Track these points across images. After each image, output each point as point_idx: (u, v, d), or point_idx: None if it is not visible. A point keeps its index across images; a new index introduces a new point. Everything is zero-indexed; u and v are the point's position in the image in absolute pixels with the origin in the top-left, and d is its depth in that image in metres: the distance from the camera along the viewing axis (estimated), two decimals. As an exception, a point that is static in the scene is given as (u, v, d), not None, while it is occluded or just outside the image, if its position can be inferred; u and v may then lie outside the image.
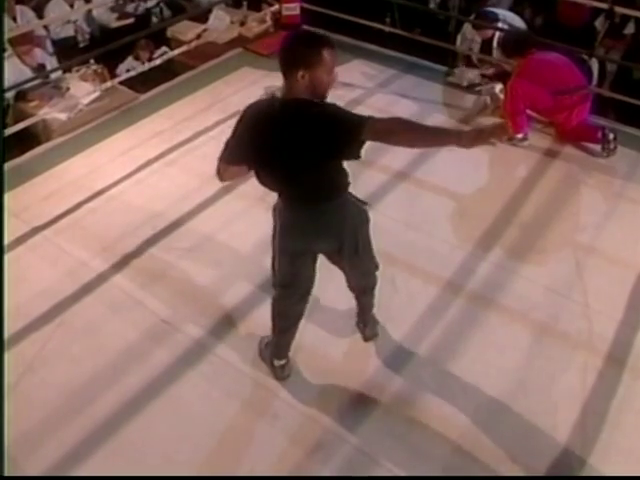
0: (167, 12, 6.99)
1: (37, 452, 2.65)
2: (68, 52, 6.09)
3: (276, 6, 5.96)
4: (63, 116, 4.73)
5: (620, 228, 3.76)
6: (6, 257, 3.51)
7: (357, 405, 2.79)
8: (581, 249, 3.61)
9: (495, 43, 4.98)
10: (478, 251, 3.58)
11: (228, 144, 2.38)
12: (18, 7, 6.14)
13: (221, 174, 2.45)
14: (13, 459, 2.60)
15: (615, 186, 4.14)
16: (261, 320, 3.13)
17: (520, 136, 4.41)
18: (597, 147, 4.32)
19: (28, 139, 4.69)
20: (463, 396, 2.84)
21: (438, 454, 2.62)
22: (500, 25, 5.03)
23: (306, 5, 5.85)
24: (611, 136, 4.25)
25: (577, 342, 3.08)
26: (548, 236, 3.70)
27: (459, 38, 5.43)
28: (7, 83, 4.92)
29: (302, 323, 2.87)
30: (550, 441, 2.68)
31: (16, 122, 4.65)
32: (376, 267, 2.78)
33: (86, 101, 4.85)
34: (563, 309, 3.25)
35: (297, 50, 2.18)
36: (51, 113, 4.70)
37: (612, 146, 4.26)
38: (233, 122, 4.70)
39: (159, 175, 4.19)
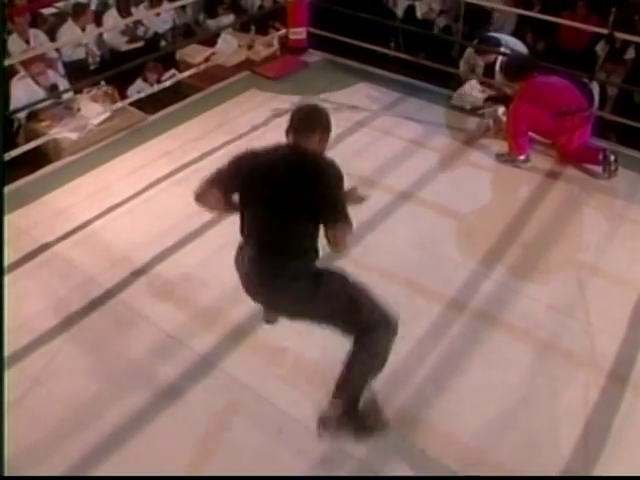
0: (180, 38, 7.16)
1: (42, 465, 2.68)
2: (79, 74, 6.22)
3: (283, 30, 6.08)
4: (74, 135, 4.83)
5: (622, 248, 3.81)
6: (16, 272, 3.60)
7: (360, 420, 2.80)
8: (583, 268, 3.65)
9: (497, 67, 5.07)
10: (481, 269, 3.63)
11: (217, 176, 2.50)
12: (32, 30, 6.30)
13: (199, 194, 2.53)
14: (19, 472, 2.64)
15: (616, 207, 4.19)
16: (265, 336, 3.20)
17: (522, 158, 4.48)
18: (598, 169, 4.38)
19: (39, 158, 4.77)
20: (466, 412, 2.86)
21: (441, 470, 2.64)
22: (502, 50, 5.12)
23: (312, 30, 5.97)
24: (612, 158, 4.31)
25: (580, 360, 3.11)
26: (551, 256, 3.74)
27: (462, 63, 5.52)
28: (20, 103, 5.05)
29: (307, 338, 2.92)
30: (553, 457, 2.70)
31: (27, 141, 4.75)
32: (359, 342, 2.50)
33: (96, 121, 4.95)
34: (565, 327, 3.28)
35: (321, 118, 2.42)
36: (62, 132, 4.79)
37: (613, 167, 4.32)
38: (240, 143, 4.85)
39: (167, 194, 4.26)
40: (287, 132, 2.40)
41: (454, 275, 3.60)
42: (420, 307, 3.38)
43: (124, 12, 6.87)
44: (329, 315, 2.49)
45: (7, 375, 2.96)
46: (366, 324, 2.46)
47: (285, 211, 2.34)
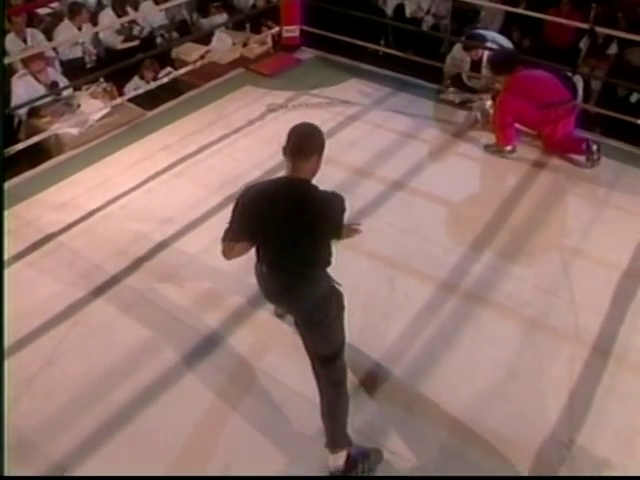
0: (174, 34, 7.28)
1: (57, 438, 2.82)
2: (76, 72, 6.32)
3: (276, 28, 6.23)
4: (74, 131, 4.95)
5: (604, 232, 3.99)
6: (23, 261, 3.74)
7: (359, 392, 2.97)
8: (567, 251, 3.83)
9: (484, 62, 5.24)
10: (471, 253, 3.80)
11: (231, 226, 2.58)
12: (28, 30, 6.41)
13: (227, 254, 2.65)
14: (34, 445, 2.78)
15: (599, 194, 4.37)
16: (265, 317, 3.35)
17: (509, 148, 4.66)
18: (582, 158, 4.57)
19: (40, 153, 4.89)
20: (459, 384, 3.03)
21: (436, 436, 2.81)
22: (489, 45, 5.30)
23: (305, 28, 6.12)
24: (595, 147, 4.49)
25: (565, 335, 3.29)
26: (536, 240, 3.92)
27: (448, 59, 5.68)
28: (21, 100, 5.17)
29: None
30: (540, 424, 2.87)
31: (28, 137, 4.88)
32: (329, 383, 2.61)
33: (96, 117, 5.07)
34: (551, 305, 3.45)
35: (318, 139, 2.46)
36: (63, 128, 4.92)
37: (596, 157, 4.50)
38: (237, 137, 5.01)
39: (167, 185, 4.40)
40: (284, 152, 2.43)
41: (445, 258, 3.76)
42: (413, 289, 3.54)
43: (120, 11, 7.00)
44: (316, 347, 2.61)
45: (19, 356, 3.15)
46: (330, 356, 2.59)
47: (299, 238, 2.45)
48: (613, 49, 6.32)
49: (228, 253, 2.65)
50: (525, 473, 2.72)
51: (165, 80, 5.42)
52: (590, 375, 3.09)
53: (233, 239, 2.59)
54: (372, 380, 3.04)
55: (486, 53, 5.26)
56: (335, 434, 2.64)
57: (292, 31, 6.10)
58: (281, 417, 2.90)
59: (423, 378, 3.06)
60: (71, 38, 6.47)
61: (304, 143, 2.42)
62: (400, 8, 7.85)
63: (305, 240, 2.46)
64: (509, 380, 3.06)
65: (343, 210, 2.48)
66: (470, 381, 3.04)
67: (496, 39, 5.45)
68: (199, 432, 2.85)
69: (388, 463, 2.72)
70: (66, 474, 2.69)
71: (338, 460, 2.64)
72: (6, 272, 3.60)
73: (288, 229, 2.43)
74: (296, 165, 2.42)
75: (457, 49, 5.62)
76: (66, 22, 6.71)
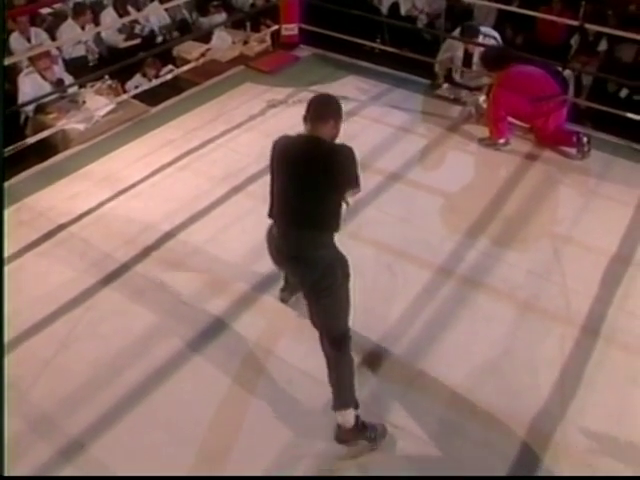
0: (175, 33, 7.43)
1: (75, 415, 2.95)
2: (79, 70, 6.46)
3: (276, 27, 6.38)
4: (81, 127, 5.10)
5: (594, 220, 4.16)
6: (36, 250, 3.89)
7: (362, 370, 3.12)
8: (559, 238, 4.00)
9: (476, 58, 5.40)
10: (466, 241, 3.96)
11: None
12: (32, 29, 6.56)
13: None
14: (53, 421, 2.94)
15: (589, 185, 4.54)
16: (271, 301, 3.51)
17: (502, 141, 4.82)
18: (573, 150, 4.74)
19: (48, 148, 5.03)
20: (456, 362, 3.19)
21: (434, 410, 2.97)
22: (482, 39, 5.46)
23: (304, 26, 6.28)
24: (585, 140, 4.66)
25: (556, 316, 3.45)
26: (529, 227, 4.09)
27: (440, 53, 5.82)
28: (27, 97, 5.32)
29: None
30: (533, 398, 3.03)
31: (35, 133, 5.02)
32: (332, 343, 2.73)
33: (101, 113, 5.22)
34: (543, 289, 3.62)
35: (334, 106, 2.75)
36: (69, 124, 5.06)
37: (586, 149, 4.68)
38: (239, 132, 5.18)
39: (173, 178, 4.54)
40: (305, 119, 2.71)
41: (441, 246, 3.92)
42: (412, 274, 3.70)
43: (121, 10, 7.14)
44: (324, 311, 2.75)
45: (36, 339, 3.30)
46: (335, 324, 2.74)
47: (310, 190, 2.65)
48: (603, 46, 6.49)
49: None
50: (519, 444, 2.87)
51: (168, 77, 5.56)
52: (580, 353, 3.25)
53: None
54: (374, 359, 3.20)
55: (477, 50, 5.42)
56: (342, 394, 2.77)
57: (291, 29, 6.26)
58: (289, 395, 3.04)
59: (422, 356, 3.22)
60: (75, 37, 6.60)
61: (321, 109, 2.71)
62: (395, 7, 8.01)
63: (314, 194, 2.64)
64: (504, 358, 3.22)
65: (353, 158, 2.68)
66: (467, 359, 3.20)
67: (489, 33, 5.61)
68: (210, 407, 2.99)
69: (391, 436, 2.86)
70: (83, 450, 2.83)
71: (347, 417, 2.74)
72: (21, 260, 3.81)
73: (298, 181, 2.67)
74: (315, 128, 2.68)
75: (449, 44, 5.76)
76: (69, 21, 6.86)
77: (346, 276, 2.74)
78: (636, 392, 3.09)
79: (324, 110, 2.71)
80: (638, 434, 2.91)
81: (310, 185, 2.65)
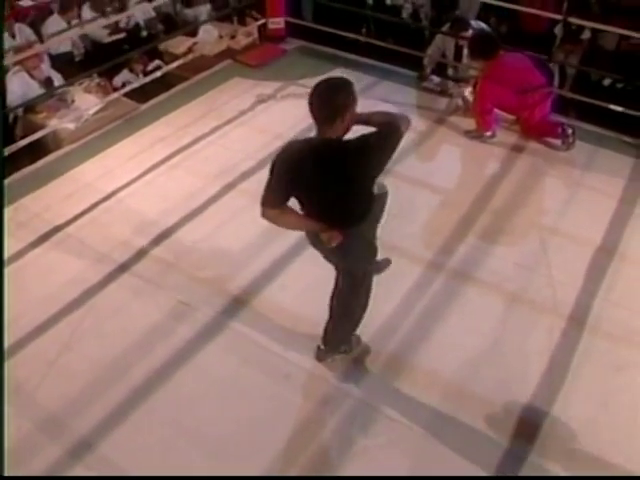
0: (160, 26, 7.42)
1: (82, 415, 3.04)
2: (66, 66, 6.46)
3: (262, 20, 6.40)
4: (71, 126, 5.13)
5: (579, 211, 4.28)
6: (34, 252, 3.94)
7: (358, 364, 3.25)
8: (545, 230, 4.11)
9: (467, 51, 5.46)
10: (455, 234, 4.07)
11: (270, 188, 2.60)
12: (16, 25, 6.52)
13: (278, 221, 2.70)
14: (60, 422, 3.02)
15: (575, 176, 4.65)
16: (268, 299, 3.60)
17: (489, 134, 4.92)
18: (558, 142, 4.85)
19: (38, 148, 5.05)
20: (447, 354, 3.31)
21: (429, 401, 3.09)
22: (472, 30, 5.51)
23: (290, 19, 6.31)
24: (570, 131, 4.77)
25: (543, 307, 3.58)
26: (516, 220, 4.20)
27: (431, 47, 5.88)
28: (16, 96, 5.32)
29: (307, 296, 3.33)
30: (523, 388, 3.16)
31: (25, 132, 5.04)
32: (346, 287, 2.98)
33: (91, 112, 5.24)
34: (530, 281, 3.74)
35: (336, 99, 2.46)
36: (60, 124, 5.08)
37: (571, 140, 4.79)
38: (230, 127, 5.21)
39: (165, 177, 4.60)
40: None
41: (431, 240, 4.03)
42: (403, 268, 3.79)
43: (98, 9, 7.10)
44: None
45: (39, 340, 3.37)
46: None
47: (339, 194, 2.59)
48: (586, 34, 6.58)
49: (273, 218, 2.66)
50: (509, 434, 2.99)
51: (158, 74, 5.58)
52: (567, 344, 3.38)
53: (274, 199, 2.60)
54: (367, 353, 3.30)
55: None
56: (332, 335, 3.12)
57: (277, 22, 6.29)
58: (287, 390, 3.15)
59: (415, 349, 3.33)
60: (64, 35, 6.56)
61: (323, 110, 2.46)
62: (381, -4, 8.03)
63: (348, 191, 2.59)
64: (493, 349, 3.34)
65: (369, 147, 2.51)
66: (458, 351, 3.32)
67: (479, 26, 5.66)
68: (211, 404, 3.10)
69: (385, 428, 2.99)
70: (92, 449, 2.92)
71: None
72: (19, 262, 3.86)
73: (330, 186, 2.56)
74: (321, 131, 2.52)
75: (440, 38, 5.82)
76: (55, 16, 6.82)
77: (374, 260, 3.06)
78: (620, 380, 3.22)
79: (326, 110, 2.47)
80: (623, 421, 3.05)
81: (341, 188, 2.57)
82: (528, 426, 3.02)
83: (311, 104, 2.49)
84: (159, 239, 4.03)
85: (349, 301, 3.04)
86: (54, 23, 6.67)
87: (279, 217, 2.68)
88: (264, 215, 2.65)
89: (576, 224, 4.15)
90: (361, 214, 2.76)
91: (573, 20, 5.32)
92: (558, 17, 5.35)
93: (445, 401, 3.10)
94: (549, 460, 2.89)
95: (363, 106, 5.31)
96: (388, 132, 2.61)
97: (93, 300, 3.62)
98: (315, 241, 2.86)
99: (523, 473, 2.85)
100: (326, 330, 3.16)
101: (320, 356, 3.22)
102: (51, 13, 6.81)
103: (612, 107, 5.09)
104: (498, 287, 3.70)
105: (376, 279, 3.64)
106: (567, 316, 3.53)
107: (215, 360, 3.30)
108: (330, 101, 2.47)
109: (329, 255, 2.92)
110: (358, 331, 3.25)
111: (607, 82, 6.29)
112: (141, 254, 3.93)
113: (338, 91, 2.50)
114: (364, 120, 2.68)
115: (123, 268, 3.82)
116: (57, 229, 4.12)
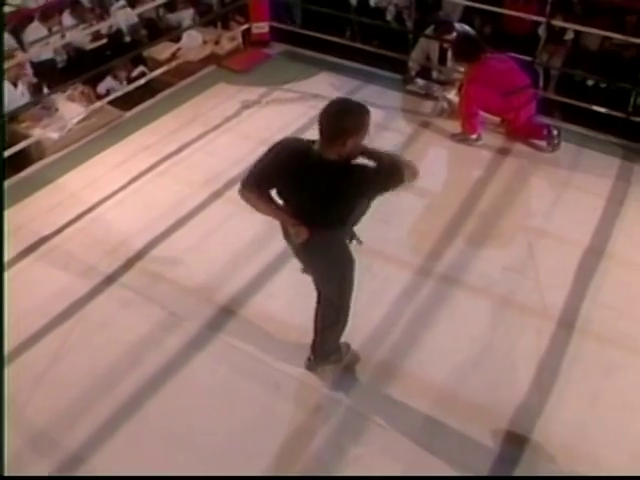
0: (143, 31, 7.39)
1: (73, 429, 3.02)
2: (48, 73, 6.41)
3: (246, 25, 6.38)
4: (55, 135, 5.09)
5: (566, 213, 4.30)
6: (20, 264, 3.91)
7: (348, 372, 3.24)
8: (533, 232, 4.13)
9: (451, 53, 5.48)
10: (443, 239, 4.07)
11: (257, 170, 2.66)
12: (-3, 33, 6.44)
13: (250, 200, 2.72)
14: (51, 437, 3.00)
15: (560, 176, 4.68)
16: (256, 307, 3.59)
17: (474, 136, 4.93)
18: (543, 143, 4.87)
19: (21, 158, 5.00)
20: (437, 360, 3.31)
21: (419, 408, 3.09)
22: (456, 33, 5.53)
23: (275, 24, 6.30)
24: (555, 132, 4.80)
25: (532, 311, 3.59)
26: (503, 223, 4.22)
27: (416, 50, 5.88)
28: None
29: (295, 304, 3.33)
30: (513, 393, 3.17)
31: (8, 142, 4.98)
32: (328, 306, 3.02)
33: (75, 120, 5.21)
34: (519, 284, 3.75)
35: (347, 119, 2.49)
36: (43, 133, 5.04)
37: (556, 142, 4.81)
38: (216, 134, 5.19)
39: (152, 186, 4.58)
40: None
41: (419, 245, 4.04)
42: (391, 274, 3.81)
43: (80, 16, 7.06)
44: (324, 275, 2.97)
45: (28, 354, 3.35)
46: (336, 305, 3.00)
47: (317, 205, 2.64)
48: (570, 35, 6.61)
49: (250, 200, 2.72)
50: (500, 438, 3.00)
51: (142, 82, 5.55)
52: (556, 346, 3.39)
53: (255, 183, 2.67)
54: (358, 361, 3.29)
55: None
56: (319, 346, 3.12)
57: (262, 27, 6.28)
58: (278, 399, 3.14)
59: (405, 356, 3.33)
60: (52, 41, 6.50)
61: (330, 126, 2.47)
62: (364, -2, 8.04)
63: (326, 205, 2.62)
64: (483, 354, 3.35)
65: (373, 184, 2.59)
66: (448, 357, 3.33)
67: (463, 29, 5.67)
68: (202, 414, 3.09)
69: (376, 435, 2.98)
70: (84, 464, 2.89)
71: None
72: (6, 275, 3.81)
73: (309, 195, 2.61)
74: (322, 146, 2.53)
75: (424, 40, 5.83)
76: (36, 23, 6.76)
77: (350, 270, 2.98)
78: (610, 382, 3.23)
79: (330, 128, 2.47)
80: (614, 423, 3.06)
81: (322, 202, 2.62)
82: (519, 432, 3.03)
83: (320, 117, 2.51)
84: (146, 249, 4.00)
85: (329, 316, 3.07)
86: (35, 30, 6.60)
87: (255, 201, 2.72)
88: (242, 194, 2.72)
89: (563, 226, 4.17)
90: (332, 224, 2.77)
91: (556, 22, 5.34)
92: (541, 19, 5.36)
93: (436, 407, 3.10)
94: (541, 464, 2.90)
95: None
96: (389, 177, 2.66)
97: (81, 312, 3.60)
98: (286, 234, 2.90)
99: (515, 478, 2.86)
100: (314, 342, 3.17)
101: (310, 367, 3.22)
102: (31, 20, 6.74)
103: (596, 108, 5.11)
104: (486, 291, 3.70)
105: (364, 285, 3.66)
106: (556, 319, 3.54)
107: (205, 371, 3.28)
108: (337, 121, 2.48)
109: (299, 255, 2.97)
110: (347, 338, 3.24)
111: (591, 82, 6.31)
112: (128, 265, 3.90)
113: (348, 114, 2.51)
114: (371, 155, 2.71)
115: (111, 279, 3.80)
116: (43, 240, 4.09)
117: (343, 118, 2.49)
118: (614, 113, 5.07)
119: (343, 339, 3.19)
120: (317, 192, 2.61)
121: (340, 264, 2.90)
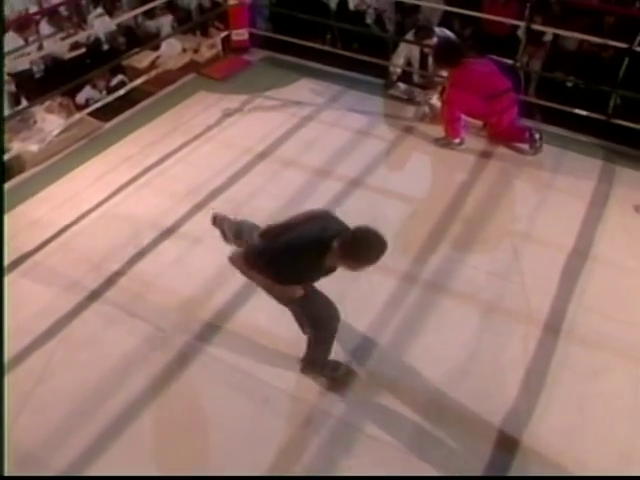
0: (121, 39, 7.33)
1: (60, 450, 2.98)
2: (25, 84, 6.35)
3: (225, 32, 6.35)
4: (34, 147, 5.03)
5: (550, 216, 4.32)
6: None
7: (336, 384, 3.22)
8: (517, 236, 4.15)
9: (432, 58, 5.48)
10: (428, 245, 4.08)
11: (267, 256, 2.89)
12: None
13: (245, 273, 3.00)
14: (39, 459, 2.96)
15: (543, 179, 4.70)
16: (243, 320, 3.56)
17: (457, 141, 4.95)
18: (525, 146, 4.89)
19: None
20: (425, 369, 3.31)
21: (409, 417, 3.09)
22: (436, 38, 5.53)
23: (254, 31, 6.28)
24: (537, 136, 4.83)
25: (518, 316, 3.60)
26: (488, 228, 4.23)
27: (396, 55, 5.88)
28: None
29: (282, 318, 3.31)
30: (501, 399, 3.18)
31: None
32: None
33: (55, 132, 5.15)
34: (504, 289, 3.77)
35: (363, 253, 2.78)
36: (23, 147, 4.97)
37: (538, 145, 4.84)
38: (197, 143, 5.18)
39: (134, 197, 4.53)
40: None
41: (405, 251, 4.03)
42: (377, 282, 3.79)
43: (57, 25, 6.99)
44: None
45: (12, 374, 3.30)
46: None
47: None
48: (549, 36, 6.64)
49: (247, 274, 3.03)
50: (490, 445, 3.01)
51: (121, 92, 5.49)
52: (543, 351, 3.41)
53: (262, 265, 2.91)
54: (347, 373, 3.28)
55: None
56: (306, 353, 3.16)
57: (241, 34, 6.25)
58: (266, 411, 3.12)
59: (393, 365, 3.33)
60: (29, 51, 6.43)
61: (348, 247, 2.73)
62: (344, 1, 8.03)
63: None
64: (471, 360, 3.36)
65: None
66: (435, 365, 3.33)
67: (443, 33, 5.67)
68: (191, 431, 3.06)
69: (366, 446, 2.98)
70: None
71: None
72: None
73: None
74: (336, 263, 2.82)
75: (405, 45, 5.82)
76: (11, 34, 6.67)
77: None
78: (597, 385, 3.26)
79: (343, 249, 2.72)
80: (600, 426, 3.08)
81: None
82: (509, 436, 3.04)
83: (345, 238, 2.74)
84: (129, 264, 3.96)
85: (313, 335, 3.13)
86: (10, 41, 6.51)
87: (252, 274, 2.96)
88: (240, 269, 2.97)
89: (547, 229, 4.19)
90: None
91: (536, 27, 5.37)
92: (520, 23, 5.39)
93: (426, 416, 3.10)
94: (532, 468, 2.92)
95: (332, 117, 5.41)
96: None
97: (65, 330, 3.55)
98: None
99: (507, 484, 2.87)
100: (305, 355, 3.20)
101: (302, 370, 3.25)
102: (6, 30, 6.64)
103: (577, 111, 5.14)
104: (473, 297, 3.71)
105: (350, 292, 3.65)
106: (542, 323, 3.55)
107: (192, 386, 3.25)
108: (361, 250, 2.75)
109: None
110: (335, 348, 3.24)
111: (571, 83, 6.35)
112: (112, 280, 3.86)
113: (371, 249, 2.76)
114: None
115: (94, 295, 3.75)
116: (25, 257, 4.03)
117: (362, 251, 2.76)
118: (594, 115, 5.10)
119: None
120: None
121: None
